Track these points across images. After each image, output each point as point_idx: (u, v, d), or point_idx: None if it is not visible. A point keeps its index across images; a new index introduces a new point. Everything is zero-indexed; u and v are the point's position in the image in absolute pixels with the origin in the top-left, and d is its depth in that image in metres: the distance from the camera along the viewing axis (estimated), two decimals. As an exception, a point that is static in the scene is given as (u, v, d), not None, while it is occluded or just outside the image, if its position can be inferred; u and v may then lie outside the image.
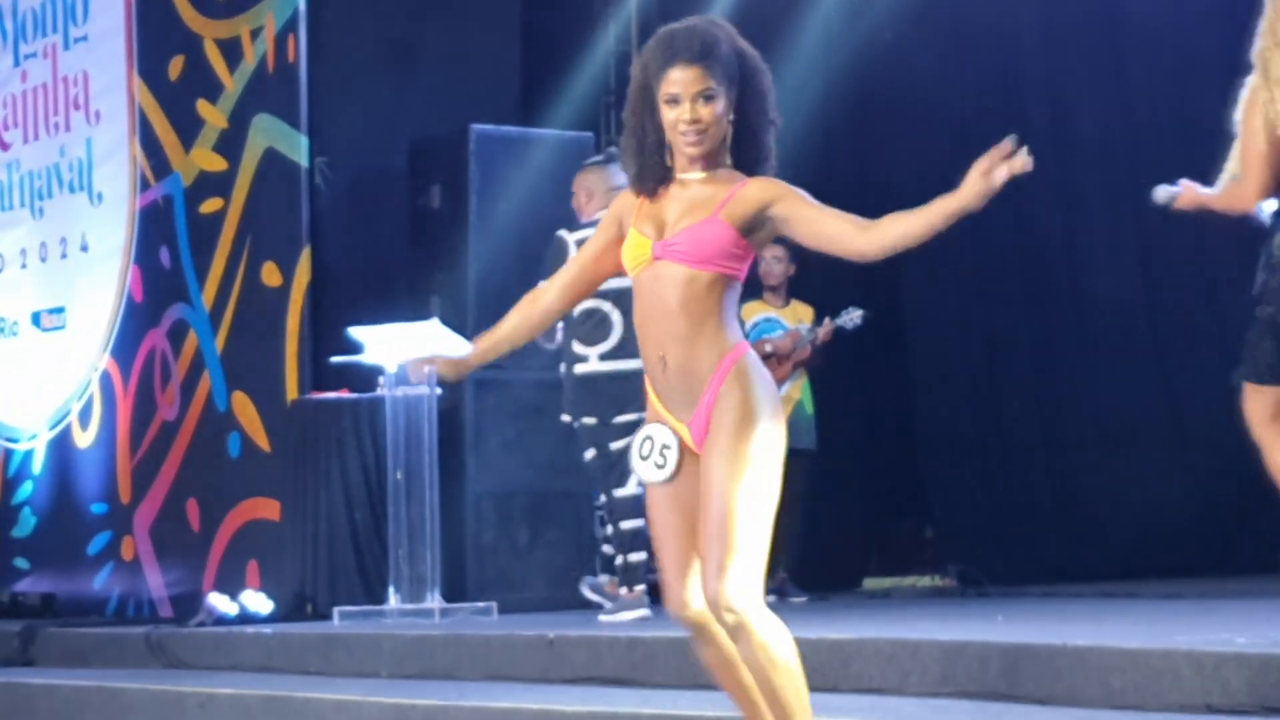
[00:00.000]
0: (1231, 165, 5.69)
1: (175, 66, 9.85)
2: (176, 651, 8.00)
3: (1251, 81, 5.52)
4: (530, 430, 8.59)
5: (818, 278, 9.06)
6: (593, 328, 7.54)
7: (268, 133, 9.31)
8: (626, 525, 7.49)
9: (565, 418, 7.76)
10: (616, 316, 7.49)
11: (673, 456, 3.87)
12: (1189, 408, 9.65)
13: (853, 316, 8.79)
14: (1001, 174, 3.72)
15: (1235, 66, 10.22)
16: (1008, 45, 9.88)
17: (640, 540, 7.31)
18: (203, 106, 9.66)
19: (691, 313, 3.84)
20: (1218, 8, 9.91)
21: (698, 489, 3.82)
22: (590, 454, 7.67)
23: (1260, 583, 8.04)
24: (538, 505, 8.76)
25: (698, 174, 3.90)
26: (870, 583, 9.77)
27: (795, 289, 9.08)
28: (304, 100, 9.17)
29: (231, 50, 9.52)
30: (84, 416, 10.35)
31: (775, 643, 3.75)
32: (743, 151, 3.92)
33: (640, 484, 7.30)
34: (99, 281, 10.26)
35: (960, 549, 9.38)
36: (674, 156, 3.92)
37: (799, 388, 9.02)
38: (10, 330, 10.93)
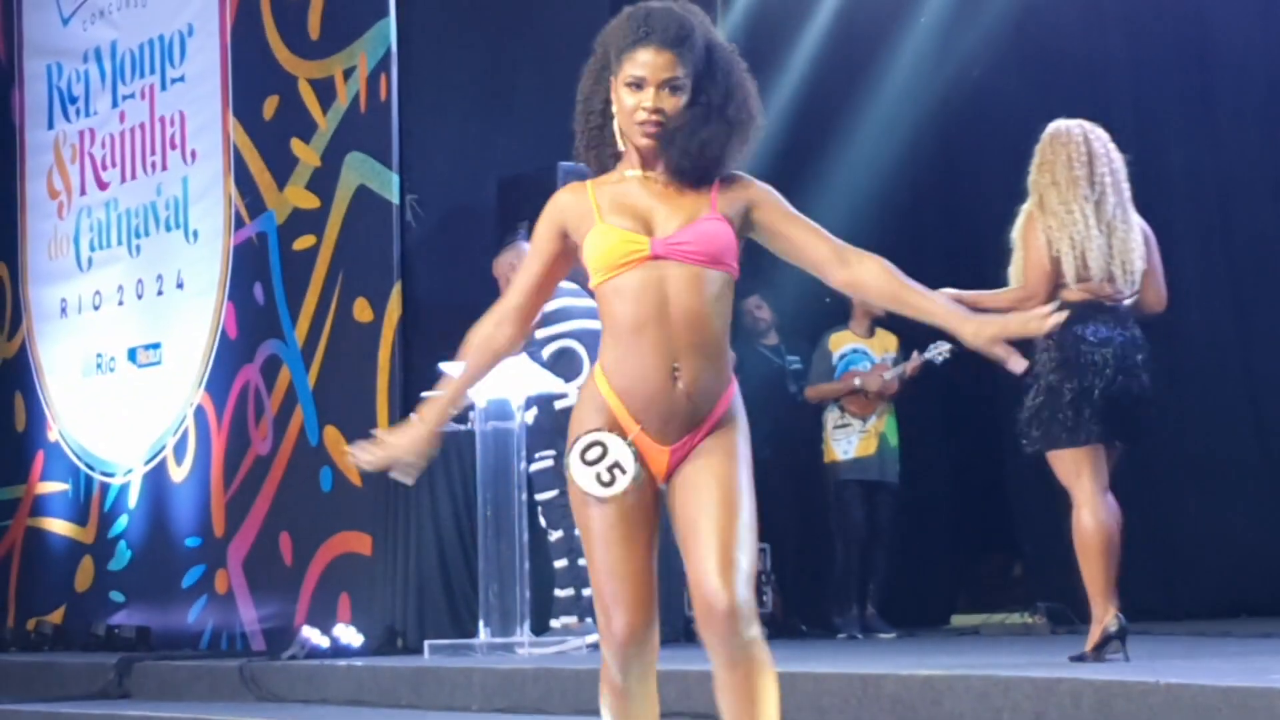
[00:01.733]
0: (1012, 278, 6.46)
1: (270, 106, 9.98)
2: (269, 684, 8.06)
3: (1028, 208, 6.43)
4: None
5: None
6: (565, 365, 7.83)
7: (360, 171, 9.42)
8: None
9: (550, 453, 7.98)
10: (583, 353, 7.79)
11: (623, 480, 3.51)
12: (1281, 445, 9.58)
13: (941, 350, 8.77)
14: (1012, 365, 3.52)
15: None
16: (1096, 78, 9.86)
17: None
18: (296, 145, 9.77)
19: (711, 319, 3.51)
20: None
21: (648, 516, 3.55)
22: (555, 493, 7.92)
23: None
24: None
25: (657, 171, 3.55)
26: (958, 619, 9.74)
27: (878, 317, 9.09)
28: (395, 138, 9.27)
29: (325, 90, 9.64)
30: (179, 451, 10.47)
31: (772, 672, 3.51)
32: (703, 150, 3.52)
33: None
34: (194, 318, 10.39)
35: (1050, 586, 9.32)
36: (628, 148, 3.57)
37: (884, 421, 9.02)
38: (108, 366, 11.08)
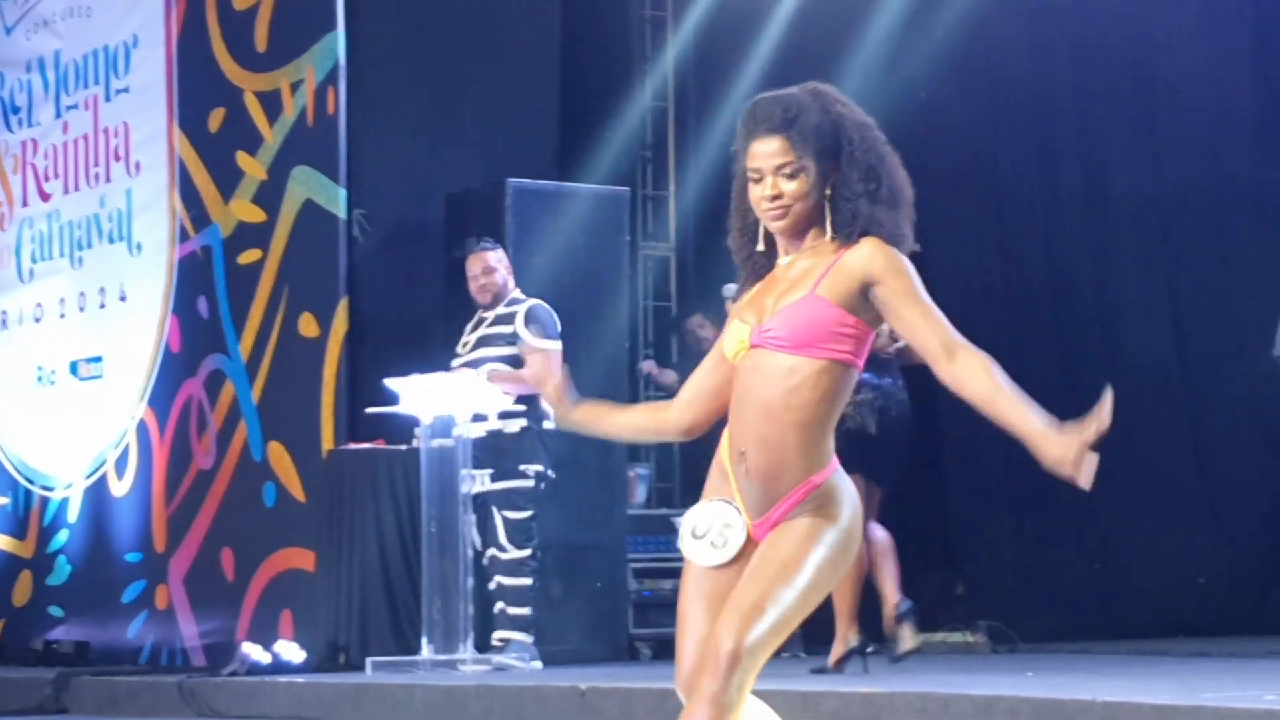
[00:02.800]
0: None
1: (216, 119, 9.94)
2: (209, 700, 8.02)
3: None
4: (564, 482, 8.62)
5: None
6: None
7: (306, 185, 9.40)
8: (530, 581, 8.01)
9: (538, 468, 8.00)
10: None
11: (735, 537, 3.48)
12: (1220, 466, 9.66)
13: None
14: (1083, 480, 3.46)
15: (1266, 128, 10.30)
16: (1041, 101, 9.95)
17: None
18: (242, 158, 9.75)
19: (789, 411, 3.43)
20: (1249, 70, 9.98)
21: (736, 579, 3.45)
22: (529, 514, 8.04)
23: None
24: (571, 557, 8.79)
25: (797, 254, 3.55)
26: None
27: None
28: (343, 153, 9.26)
29: (272, 103, 9.61)
30: (120, 465, 10.41)
31: None
32: (840, 224, 3.53)
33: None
34: (137, 331, 10.34)
35: (990, 605, 9.37)
36: (776, 239, 3.57)
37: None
38: (49, 379, 11.01)
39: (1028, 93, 9.90)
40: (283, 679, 8.04)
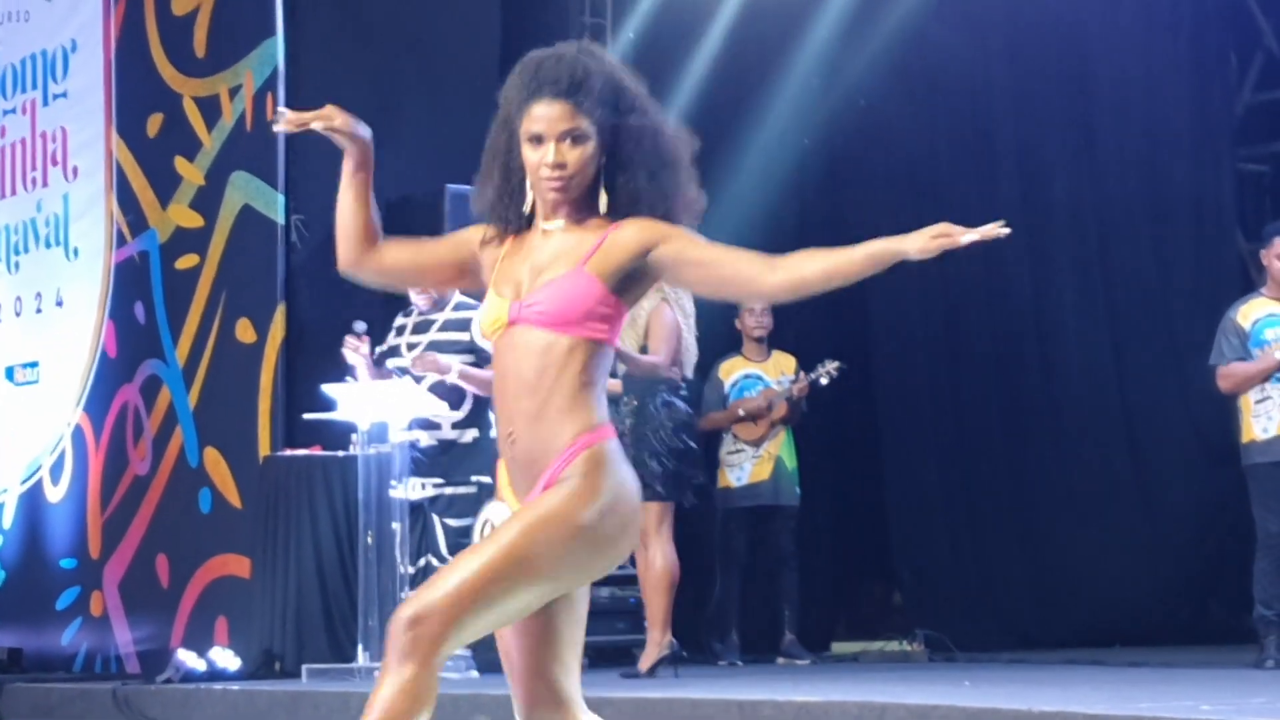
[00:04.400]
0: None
1: (154, 124, 9.89)
2: (144, 708, 7.97)
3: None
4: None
5: (791, 331, 9.13)
6: (454, 393, 7.84)
7: (244, 190, 9.35)
8: None
9: (485, 479, 8.04)
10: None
11: None
12: (1156, 476, 9.72)
13: (828, 369, 8.82)
14: (964, 239, 3.34)
15: (1204, 137, 10.38)
16: (979, 109, 9.99)
17: None
18: (180, 164, 9.69)
19: (546, 386, 3.30)
20: (1186, 79, 10.06)
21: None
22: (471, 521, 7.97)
23: (1226, 652, 8.08)
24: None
25: (560, 222, 3.38)
26: (838, 647, 9.78)
27: (775, 339, 9.15)
28: (281, 158, 9.21)
29: (210, 108, 9.56)
30: (55, 471, 10.34)
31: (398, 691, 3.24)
32: (617, 199, 3.35)
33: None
34: (73, 336, 10.27)
35: (928, 614, 9.40)
36: (536, 202, 3.40)
37: (779, 444, 9.05)
38: (-17, 384, 10.92)
39: (966, 101, 9.95)
40: (218, 686, 8.00)
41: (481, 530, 3.42)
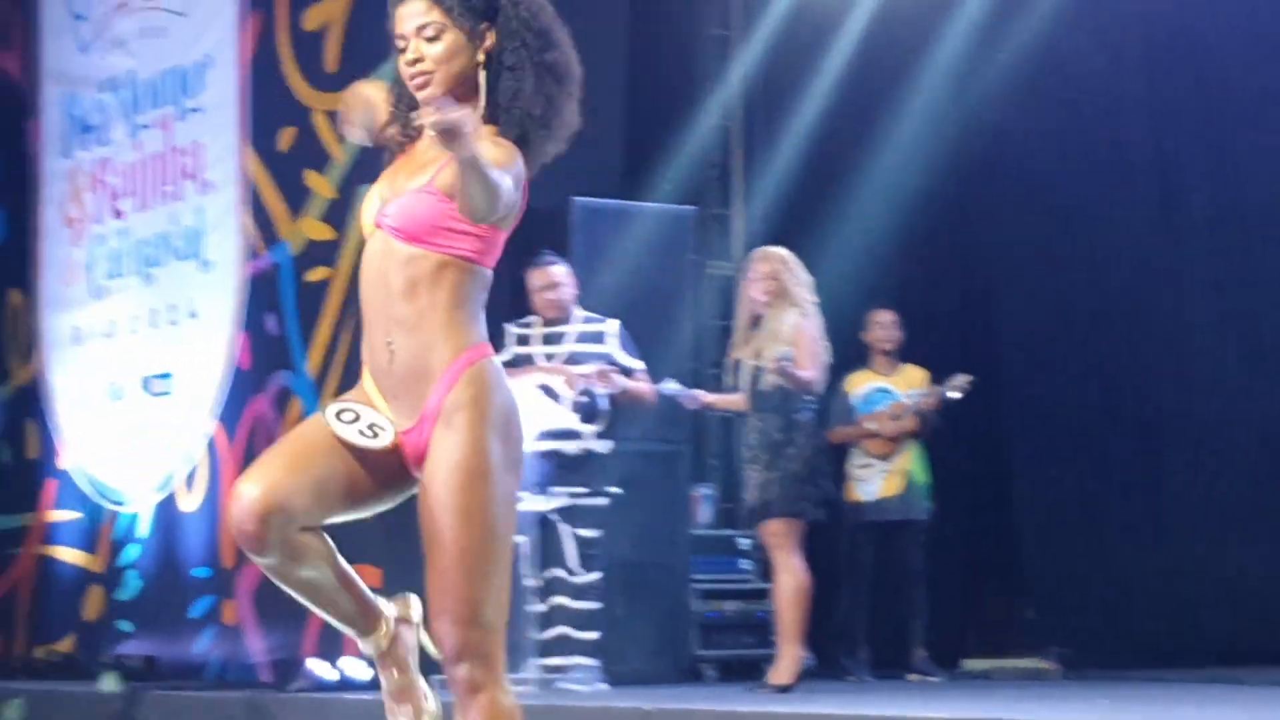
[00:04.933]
0: None
1: (285, 137, 9.99)
2: (276, 716, 8.04)
3: None
4: (628, 502, 8.59)
5: (923, 345, 9.07)
6: (587, 406, 8.01)
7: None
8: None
9: (615, 489, 8.08)
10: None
11: (386, 437, 3.35)
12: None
13: (958, 383, 8.74)
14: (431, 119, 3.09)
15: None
16: (1115, 121, 9.85)
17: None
18: (311, 177, 9.78)
19: (420, 300, 3.29)
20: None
21: (381, 478, 3.40)
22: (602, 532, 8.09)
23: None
24: (635, 577, 8.75)
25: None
26: (969, 663, 9.69)
27: (905, 353, 9.09)
28: (409, 172, 9.26)
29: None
30: (189, 480, 10.45)
31: None
32: (499, 100, 3.31)
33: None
34: (206, 348, 10.38)
35: (1062, 630, 9.28)
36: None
37: (908, 458, 8.99)
38: (119, 394, 11.07)
39: (1100, 114, 9.81)
40: (349, 696, 8.05)
41: (342, 414, 3.36)
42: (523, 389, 7.97)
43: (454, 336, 3.27)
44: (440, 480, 3.28)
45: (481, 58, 3.31)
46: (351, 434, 3.34)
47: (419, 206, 3.28)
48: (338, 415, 3.36)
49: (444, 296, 3.28)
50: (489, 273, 3.36)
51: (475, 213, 3.15)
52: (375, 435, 3.34)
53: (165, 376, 10.73)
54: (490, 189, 3.13)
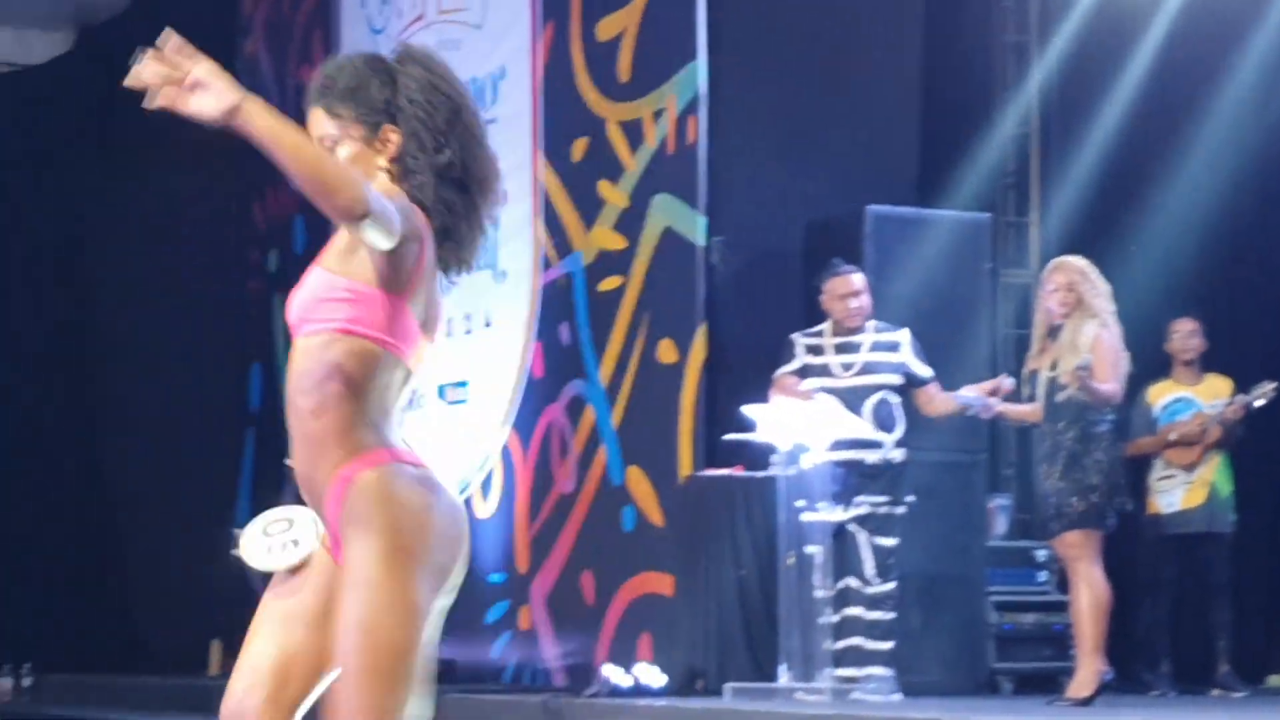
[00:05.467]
0: None
1: (578, 148, 10.11)
2: (573, 720, 8.13)
3: None
4: (924, 513, 8.49)
5: (1228, 354, 8.83)
6: (884, 416, 7.99)
7: (666, 212, 9.47)
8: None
9: (911, 498, 8.06)
10: (898, 403, 8.02)
11: (304, 549, 3.13)
12: None
13: (1264, 390, 8.50)
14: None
15: None
16: None
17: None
18: (604, 187, 9.88)
19: (308, 397, 3.06)
20: None
21: (319, 593, 3.13)
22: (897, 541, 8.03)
23: None
24: (930, 588, 8.66)
25: None
26: (1274, 679, 9.38)
27: (1209, 362, 8.86)
28: (703, 181, 9.32)
29: (633, 132, 9.72)
30: (485, 487, 10.63)
31: None
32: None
33: None
34: (501, 356, 10.55)
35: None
36: None
37: (1212, 469, 8.77)
38: (417, 402, 11.31)
39: None
40: (642, 702, 8.12)
41: (269, 526, 3.17)
42: (821, 401, 7.97)
43: (341, 443, 3.06)
44: (340, 601, 3.09)
45: (384, 164, 3.17)
46: (258, 556, 3.15)
47: (306, 284, 3.13)
48: (264, 529, 3.17)
49: (333, 389, 3.05)
50: (386, 354, 3.10)
51: (318, 193, 2.90)
52: (295, 546, 3.14)
53: (462, 385, 10.93)
54: (312, 158, 2.90)
